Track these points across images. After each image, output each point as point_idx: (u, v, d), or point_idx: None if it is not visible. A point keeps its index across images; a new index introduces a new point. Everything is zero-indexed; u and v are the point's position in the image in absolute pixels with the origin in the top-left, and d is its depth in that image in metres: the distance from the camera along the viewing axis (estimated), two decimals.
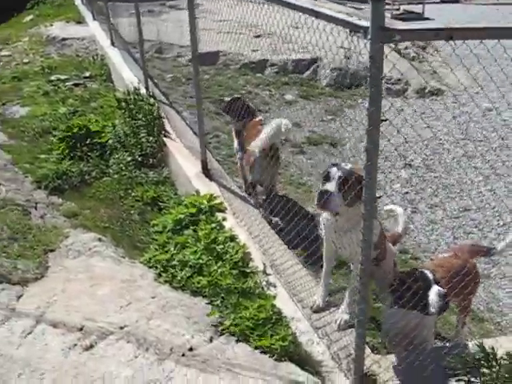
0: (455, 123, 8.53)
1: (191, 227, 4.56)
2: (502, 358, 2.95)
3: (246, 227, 4.50)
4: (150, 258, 4.32)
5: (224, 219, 4.60)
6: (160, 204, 5.42)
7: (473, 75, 3.21)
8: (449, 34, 2.19)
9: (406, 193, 6.79)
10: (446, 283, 3.64)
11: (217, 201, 4.81)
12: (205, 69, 9.66)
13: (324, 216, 3.53)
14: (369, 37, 2.22)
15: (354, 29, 2.32)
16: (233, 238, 4.31)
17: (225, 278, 3.85)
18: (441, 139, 8.13)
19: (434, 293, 3.11)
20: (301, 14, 2.83)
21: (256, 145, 4.81)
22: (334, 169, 3.31)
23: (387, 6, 15.91)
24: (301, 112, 8.78)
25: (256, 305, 3.53)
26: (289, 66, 9.99)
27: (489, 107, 9.10)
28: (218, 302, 3.68)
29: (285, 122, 4.82)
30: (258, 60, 10.02)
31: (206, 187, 5.06)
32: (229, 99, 5.87)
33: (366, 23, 2.25)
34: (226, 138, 7.30)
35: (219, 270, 3.95)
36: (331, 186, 3.25)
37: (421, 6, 14.96)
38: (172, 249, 4.31)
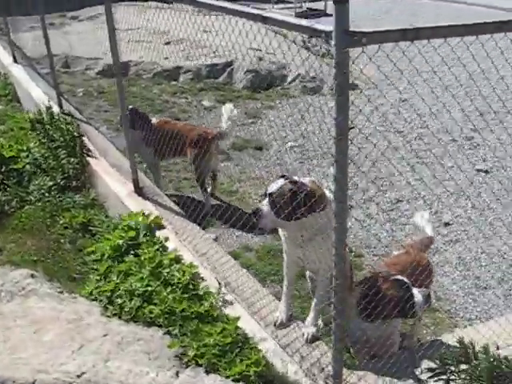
0: (376, 116, 8.66)
1: (132, 252, 4.28)
2: (478, 351, 2.94)
3: (190, 245, 4.28)
4: (91, 291, 4.00)
5: (166, 239, 4.36)
6: (92, 229, 5.07)
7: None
8: (415, 34, 2.10)
9: None
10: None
11: (154, 219, 4.55)
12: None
13: (282, 231, 3.43)
14: (333, 42, 2.09)
15: (314, 34, 2.18)
16: (178, 260, 4.09)
17: (178, 304, 3.62)
18: (363, 133, 8.21)
19: (418, 295, 3.08)
20: (243, 20, 2.66)
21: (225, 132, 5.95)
22: (272, 185, 3.25)
23: (290, 5, 16.08)
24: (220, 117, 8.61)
25: (218, 329, 3.34)
26: (203, 72, 9.80)
27: (403, 98, 9.34)
28: (176, 330, 3.45)
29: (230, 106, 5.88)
30: (172, 67, 9.76)
31: (140, 207, 4.78)
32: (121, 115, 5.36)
33: (328, 27, 2.12)
34: None
35: (170, 296, 3.71)
36: (263, 204, 3.21)
37: (323, 2, 15.20)
38: (115, 278, 4.01)
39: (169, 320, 3.54)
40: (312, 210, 3.16)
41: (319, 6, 15.77)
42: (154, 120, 6.03)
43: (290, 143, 7.94)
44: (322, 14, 15.02)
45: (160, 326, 3.54)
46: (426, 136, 8.21)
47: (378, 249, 5.72)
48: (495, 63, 3.21)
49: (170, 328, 3.49)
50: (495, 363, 2.96)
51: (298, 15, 14.50)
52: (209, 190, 6.12)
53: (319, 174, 7.07)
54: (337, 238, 2.52)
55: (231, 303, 3.65)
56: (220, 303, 3.65)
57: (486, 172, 7.22)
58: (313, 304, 3.40)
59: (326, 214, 3.20)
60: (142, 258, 4.12)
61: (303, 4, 15.74)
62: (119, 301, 3.80)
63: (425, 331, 4.53)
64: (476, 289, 5.11)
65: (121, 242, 4.37)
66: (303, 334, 3.34)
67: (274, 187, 3.22)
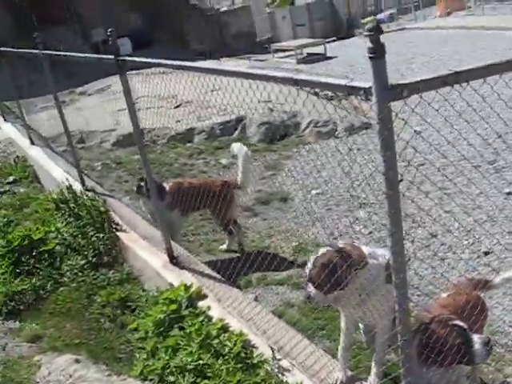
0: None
1: (176, 326, 4.19)
2: None
3: (235, 311, 4.18)
4: (141, 370, 3.90)
5: (209, 308, 4.27)
6: (131, 304, 5.00)
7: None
8: (455, 78, 2.05)
9: (370, 232, 6.68)
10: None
11: (195, 290, 4.47)
12: (132, 150, 9.38)
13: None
14: (374, 98, 2.04)
15: (352, 92, 2.14)
16: (226, 329, 3.98)
17: (232, 376, 3.50)
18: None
19: (478, 342, 2.94)
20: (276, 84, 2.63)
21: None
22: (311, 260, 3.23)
23: (292, 52, 16.33)
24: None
25: None
26: (216, 130, 9.87)
27: (418, 130, 9.30)
28: None
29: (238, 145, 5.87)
30: (185, 130, 9.85)
31: (178, 278, 4.71)
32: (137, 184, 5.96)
33: (366, 84, 2.08)
34: None
35: (224, 368, 3.59)
36: (308, 287, 3.19)
37: (322, 46, 15.42)
38: (163, 355, 3.91)
39: None
40: (354, 275, 3.12)
41: (319, 49, 15.98)
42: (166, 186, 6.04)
43: (313, 191, 7.89)
44: (323, 57, 15.22)
45: None
46: (448, 166, 8.13)
47: (422, 287, 5.56)
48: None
49: None
50: None
51: (300, 61, 14.73)
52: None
53: (349, 219, 6.99)
54: (398, 292, 2.42)
55: (288, 370, 3.52)
56: (276, 370, 3.52)
57: None
58: (374, 361, 3.27)
59: (368, 270, 3.13)
60: (188, 331, 4.02)
61: (303, 50, 15.96)
62: (171, 378, 3.69)
63: (486, 369, 4.34)
64: None
65: (163, 316, 4.28)
66: None
67: (308, 266, 3.20)
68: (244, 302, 4.28)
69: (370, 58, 2.00)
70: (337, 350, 3.59)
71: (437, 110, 2.25)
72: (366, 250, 3.28)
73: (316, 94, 11.44)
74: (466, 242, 6.26)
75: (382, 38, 2.00)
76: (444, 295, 3.93)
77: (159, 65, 4.20)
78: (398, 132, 2.14)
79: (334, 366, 3.43)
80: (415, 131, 9.74)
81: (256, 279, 5.64)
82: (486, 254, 5.98)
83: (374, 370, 3.29)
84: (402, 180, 2.29)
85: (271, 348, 3.66)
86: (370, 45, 1.97)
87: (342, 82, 2.18)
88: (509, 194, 7.12)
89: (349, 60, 14.79)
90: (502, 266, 5.72)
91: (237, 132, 9.89)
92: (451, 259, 5.97)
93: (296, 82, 2.45)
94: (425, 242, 6.37)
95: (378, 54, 1.98)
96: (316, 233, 6.67)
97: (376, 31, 1.95)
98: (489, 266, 5.80)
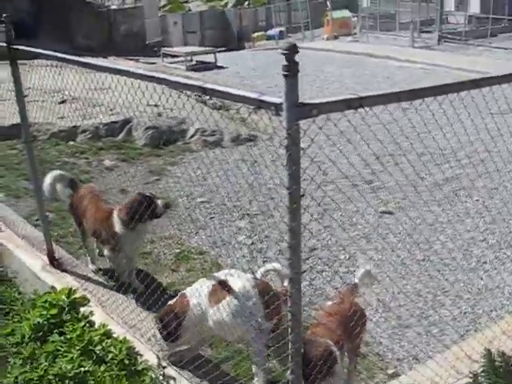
0: (278, 166, 8.86)
1: (56, 331, 4.01)
2: None
3: (118, 317, 4.09)
4: (16, 377, 3.68)
5: (92, 314, 4.13)
6: (3, 307, 4.70)
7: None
8: (359, 102, 2.19)
9: (252, 243, 6.82)
10: (343, 331, 3.70)
11: (77, 294, 4.31)
12: (9, 144, 8.87)
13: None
14: (284, 114, 2.12)
15: (263, 106, 2.21)
16: (109, 335, 3.88)
17: (117, 383, 3.41)
18: (269, 184, 8.40)
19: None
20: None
21: None
22: None
23: (181, 58, 16.29)
24: (124, 176, 8.43)
25: None
26: (101, 130, 9.59)
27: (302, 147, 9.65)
28: None
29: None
30: (68, 127, 9.46)
31: (59, 281, 4.53)
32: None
33: (277, 100, 2.16)
34: (54, 216, 6.71)
35: (107, 375, 3.50)
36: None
37: (212, 55, 15.54)
38: (42, 361, 3.72)
39: None
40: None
41: (209, 58, 16.08)
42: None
43: (198, 199, 7.91)
44: (213, 66, 15.34)
45: None
46: (328, 183, 8.53)
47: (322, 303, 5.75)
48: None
49: None
50: None
51: (189, 69, 14.73)
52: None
53: (233, 229, 7.09)
54: (292, 302, 2.51)
55: (173, 378, 3.51)
56: (161, 378, 3.50)
57: (390, 213, 7.59)
58: (254, 370, 3.38)
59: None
60: (69, 337, 3.86)
61: (193, 57, 15.99)
62: None
63: (359, 377, 4.60)
64: (399, 329, 5.28)
65: (42, 320, 4.08)
66: None
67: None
68: (128, 308, 4.21)
69: (284, 75, 2.08)
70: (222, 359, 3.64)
71: (320, 128, 2.35)
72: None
73: (204, 102, 11.54)
74: (342, 257, 6.60)
75: (272, 53, 2.09)
76: (329, 303, 4.12)
77: (55, 58, 4.03)
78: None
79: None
80: (302, 149, 10.12)
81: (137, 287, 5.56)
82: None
83: (256, 379, 3.36)
84: (303, 195, 2.39)
85: (156, 355, 3.62)
86: (285, 63, 2.05)
87: (253, 95, 2.24)
88: (383, 212, 7.61)
89: (239, 71, 15.02)
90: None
91: (122, 134, 9.67)
92: (328, 272, 6.26)
93: (204, 91, 2.47)
94: (304, 255, 6.61)
95: (291, 72, 2.06)
96: (199, 241, 6.70)
97: (291, 51, 2.03)
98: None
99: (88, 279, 4.60)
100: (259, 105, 2.23)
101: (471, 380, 3.37)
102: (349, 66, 17.95)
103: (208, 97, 11.61)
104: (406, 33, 22.20)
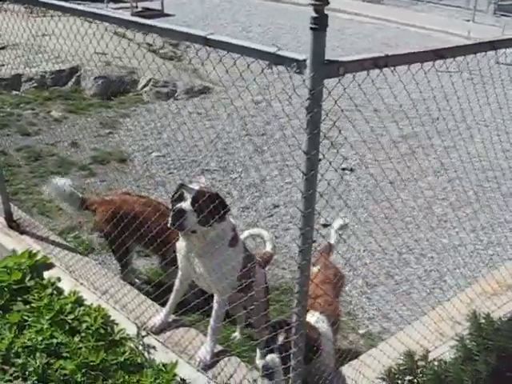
0: (234, 119, 8.65)
1: (20, 299, 3.73)
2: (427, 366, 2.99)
3: (89, 283, 3.85)
4: None
5: (59, 280, 3.87)
6: None
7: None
8: (385, 61, 2.00)
9: None
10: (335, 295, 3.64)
11: (39, 258, 4.03)
12: None
13: (179, 242, 3.37)
14: (308, 72, 1.91)
15: (283, 62, 1.98)
16: (80, 303, 3.65)
17: (96, 355, 3.21)
18: (227, 138, 8.17)
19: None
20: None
21: None
22: (188, 187, 3.23)
23: (127, 4, 15.47)
24: (74, 129, 7.97)
25: (150, 379, 3.01)
26: (47, 79, 8.99)
27: (258, 100, 9.41)
28: None
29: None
30: (11, 75, 8.80)
31: (18, 244, 4.21)
32: None
33: (301, 56, 1.94)
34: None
35: (82, 347, 3.29)
36: (186, 205, 3.11)
37: (159, 2, 14.83)
38: (7, 333, 3.46)
39: (88, 375, 3.12)
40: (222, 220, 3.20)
41: (156, 5, 15.35)
42: None
43: (154, 153, 7.60)
44: (160, 14, 14.66)
45: None
46: (288, 137, 8.37)
47: None
48: None
49: None
50: (437, 370, 3.05)
51: (135, 15, 13.98)
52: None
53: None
54: (301, 274, 2.36)
55: (153, 347, 3.33)
56: (141, 347, 3.32)
57: (351, 170, 7.54)
58: (209, 328, 3.31)
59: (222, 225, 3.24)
60: (36, 306, 3.60)
61: (138, 4, 15.22)
62: (19, 360, 3.27)
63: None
64: (367, 287, 5.28)
65: (2, 287, 3.79)
66: (197, 359, 3.22)
67: (195, 191, 3.17)
68: (98, 273, 3.96)
69: (311, 28, 1.86)
70: (205, 324, 3.49)
71: (344, 89, 2.17)
72: None
73: (155, 51, 11.03)
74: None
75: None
76: (314, 269, 4.01)
77: None
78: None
79: (203, 339, 3.32)
80: (254, 100, 9.83)
81: (100, 244, 5.31)
82: (325, 226, 6.28)
83: (208, 338, 3.28)
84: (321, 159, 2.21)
85: (136, 325, 3.43)
86: (314, 15, 1.83)
87: (270, 49, 2.01)
88: (344, 169, 7.55)
89: (187, 20, 14.43)
90: (341, 238, 6.05)
91: (70, 83, 9.12)
92: (293, 230, 6.16)
93: (207, 42, 2.21)
94: (268, 212, 6.50)
95: (320, 26, 1.84)
96: (159, 197, 6.41)
97: (323, 2, 1.81)
98: (327, 237, 6.10)
99: (51, 242, 4.29)
100: (276, 61, 2.00)
101: (458, 343, 3.36)
102: (299, 17, 17.63)
103: (160, 45, 11.10)
104: None
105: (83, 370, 3.14)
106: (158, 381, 3.00)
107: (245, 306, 3.71)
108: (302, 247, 2.27)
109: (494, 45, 2.38)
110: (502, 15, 17.65)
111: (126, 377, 3.08)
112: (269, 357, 2.82)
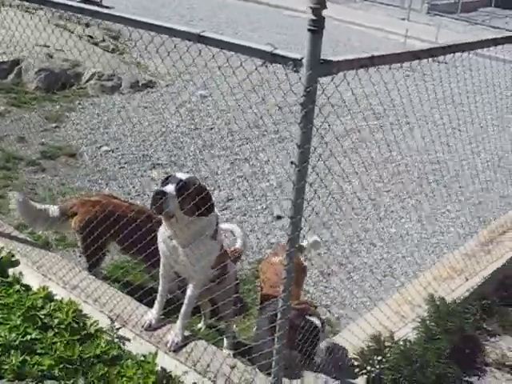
0: (183, 113, 8.67)
1: None
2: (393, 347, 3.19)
3: (58, 279, 3.82)
4: None
5: (21, 274, 3.83)
6: None
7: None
8: (371, 61, 2.16)
9: None
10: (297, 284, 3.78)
11: (4, 255, 3.96)
12: None
13: (161, 230, 3.41)
14: (304, 71, 2.03)
15: (278, 61, 2.09)
16: (51, 298, 3.63)
17: (72, 349, 3.22)
18: (176, 132, 8.18)
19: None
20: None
21: None
22: (175, 176, 3.29)
23: None
24: (19, 123, 7.76)
25: (132, 370, 3.06)
26: None
27: (204, 94, 9.46)
28: (82, 381, 3.06)
29: None
30: None
31: None
32: None
33: (296, 55, 2.05)
34: None
35: (57, 341, 3.29)
36: (169, 188, 3.17)
37: None
38: None
39: (67, 370, 3.13)
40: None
41: None
42: None
43: (103, 147, 7.52)
44: (98, 4, 14.34)
45: (55, 379, 3.11)
46: (236, 132, 8.48)
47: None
48: None
49: (72, 380, 3.09)
50: (404, 349, 3.26)
51: None
52: None
53: (145, 179, 6.85)
54: (288, 263, 2.48)
55: (128, 339, 3.37)
56: (117, 339, 3.35)
57: None
58: (181, 313, 3.41)
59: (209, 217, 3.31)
60: (5, 302, 3.56)
61: None
62: None
63: None
64: (322, 276, 5.47)
65: None
66: (167, 342, 3.31)
67: (181, 176, 3.26)
68: (66, 267, 3.94)
69: (309, 30, 1.98)
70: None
71: (336, 87, 2.29)
72: None
73: (96, 44, 10.85)
74: (259, 207, 6.65)
75: None
76: (276, 260, 4.14)
77: None
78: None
79: (177, 329, 3.40)
80: (200, 95, 9.88)
81: (55, 241, 5.24)
82: (279, 218, 6.44)
83: (179, 322, 3.39)
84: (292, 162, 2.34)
85: (110, 318, 3.45)
86: (312, 17, 1.95)
87: (266, 48, 2.11)
88: (292, 163, 7.69)
89: (128, 13, 14.15)
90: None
91: (11, 76, 8.83)
92: (248, 223, 6.28)
93: (200, 40, 2.28)
94: (222, 205, 6.58)
95: (318, 27, 1.96)
96: (111, 192, 6.37)
97: (321, 5, 1.93)
98: (282, 229, 6.27)
99: (13, 238, 4.21)
100: (272, 59, 2.10)
101: (419, 324, 3.59)
102: (239, 12, 17.77)
103: (101, 38, 10.92)
104: None
105: (61, 365, 3.14)
106: (139, 371, 3.04)
107: (214, 299, 3.80)
108: (292, 235, 2.39)
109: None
110: (436, 14, 18.41)
111: (106, 369, 3.11)
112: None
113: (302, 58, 2.03)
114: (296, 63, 2.04)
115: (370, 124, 8.42)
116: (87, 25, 11.30)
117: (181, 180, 3.22)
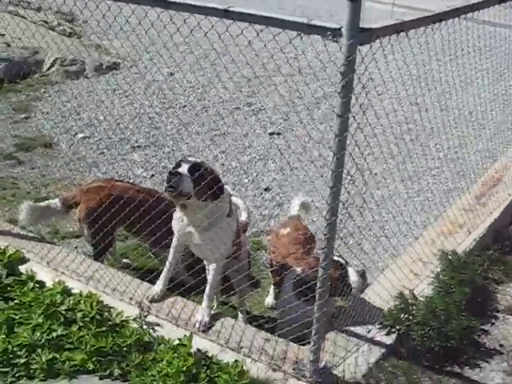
0: (154, 92, 8.54)
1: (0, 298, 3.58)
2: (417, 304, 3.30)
3: (71, 272, 3.76)
4: None
5: (37, 273, 3.74)
6: None
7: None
8: (402, 26, 2.17)
9: (152, 175, 6.57)
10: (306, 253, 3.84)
11: (12, 253, 3.87)
12: None
13: (176, 215, 3.46)
14: (344, 40, 2.03)
15: (315, 32, 2.07)
16: (68, 292, 3.57)
17: (104, 341, 3.19)
18: (149, 113, 8.05)
19: (354, 274, 3.28)
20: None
21: None
22: (186, 159, 3.34)
23: None
24: None
25: (168, 355, 3.06)
26: None
27: (171, 72, 9.29)
28: (117, 370, 3.04)
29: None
30: None
31: None
32: None
33: (335, 25, 2.04)
34: None
35: (86, 334, 3.25)
36: (183, 169, 3.20)
37: None
38: None
39: (100, 362, 3.10)
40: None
41: None
42: None
43: (79, 135, 7.34)
44: None
45: (93, 372, 3.09)
46: (210, 108, 8.40)
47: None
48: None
49: (108, 371, 3.06)
50: (427, 305, 3.37)
51: None
52: None
53: (127, 163, 6.73)
54: (328, 244, 2.51)
55: (157, 324, 3.36)
56: (145, 326, 3.34)
57: (279, 134, 7.72)
58: (205, 294, 3.46)
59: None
60: (20, 301, 3.48)
61: None
62: (21, 360, 3.16)
63: None
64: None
65: None
66: (195, 323, 3.34)
67: (194, 159, 3.32)
68: (76, 260, 3.88)
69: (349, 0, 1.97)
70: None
71: (373, 54, 2.27)
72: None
73: (52, 28, 10.51)
74: (246, 181, 6.64)
75: None
76: (284, 231, 4.17)
77: None
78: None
79: (198, 307, 3.46)
80: (171, 73, 9.72)
81: (48, 234, 5.14)
82: (267, 189, 6.45)
83: (204, 303, 3.43)
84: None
85: (139, 305, 3.43)
86: None
87: (303, 20, 2.09)
88: (271, 134, 7.71)
89: None
90: (284, 200, 6.25)
91: None
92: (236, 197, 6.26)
93: (226, 15, 2.23)
94: None
95: None
96: (95, 178, 6.26)
97: None
98: (272, 200, 6.29)
99: (18, 236, 4.11)
100: (309, 31, 2.09)
101: (434, 279, 3.69)
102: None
103: (56, 23, 10.57)
104: None
105: (93, 358, 3.11)
106: (175, 354, 3.04)
107: (227, 276, 3.82)
108: (332, 204, 2.42)
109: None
110: None
111: (141, 356, 3.10)
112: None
113: (341, 28, 2.02)
114: (335, 33, 2.04)
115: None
116: (39, 9, 10.91)
117: (193, 162, 3.26)
